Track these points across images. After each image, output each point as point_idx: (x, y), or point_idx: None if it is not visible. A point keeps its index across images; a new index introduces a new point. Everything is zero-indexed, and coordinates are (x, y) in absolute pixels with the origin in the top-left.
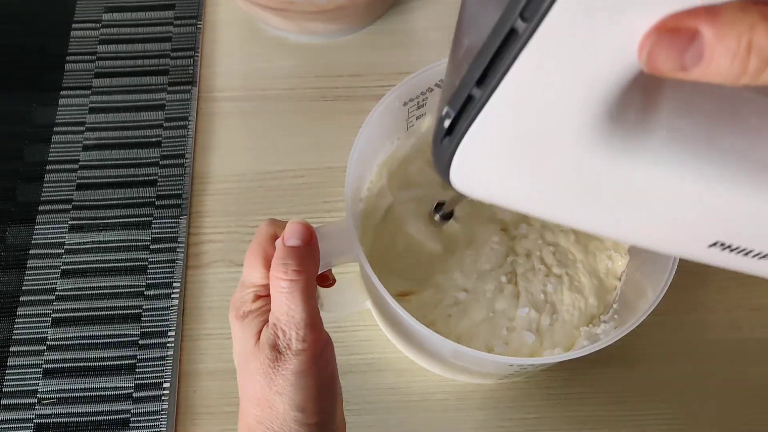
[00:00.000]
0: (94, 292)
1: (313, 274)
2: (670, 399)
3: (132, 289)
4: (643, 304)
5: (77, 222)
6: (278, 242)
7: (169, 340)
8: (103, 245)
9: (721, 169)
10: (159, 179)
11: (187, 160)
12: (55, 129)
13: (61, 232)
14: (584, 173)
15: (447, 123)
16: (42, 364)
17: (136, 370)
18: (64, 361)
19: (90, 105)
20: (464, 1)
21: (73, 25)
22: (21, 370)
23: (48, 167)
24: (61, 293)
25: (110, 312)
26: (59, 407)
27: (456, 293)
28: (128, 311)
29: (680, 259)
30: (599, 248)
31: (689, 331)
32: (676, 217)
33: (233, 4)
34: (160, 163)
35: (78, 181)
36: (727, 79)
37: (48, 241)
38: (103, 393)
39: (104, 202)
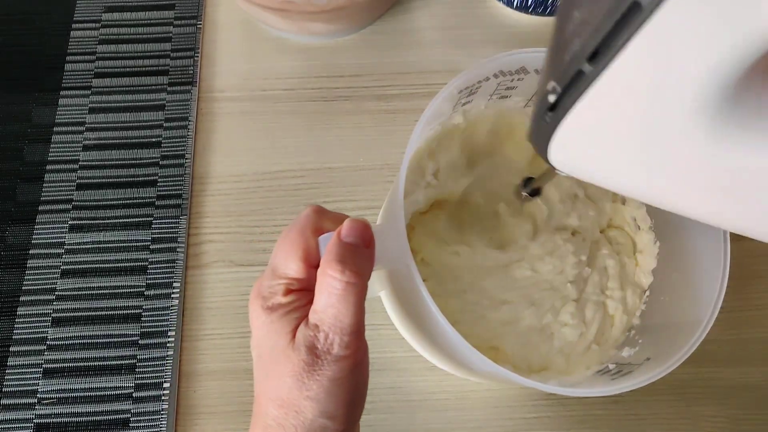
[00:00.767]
0: (94, 292)
1: (368, 279)
2: (669, 399)
3: (132, 289)
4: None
5: (77, 222)
6: (333, 237)
7: (169, 340)
8: (103, 245)
9: None
10: (159, 179)
11: (187, 161)
12: (55, 129)
13: (61, 232)
14: (695, 160)
15: (552, 98)
16: (42, 364)
17: (136, 370)
18: (64, 361)
19: (90, 105)
20: None
21: (73, 25)
22: (21, 370)
23: (48, 167)
24: (61, 293)
25: (110, 312)
26: (59, 407)
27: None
28: (128, 311)
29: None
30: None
31: None
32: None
33: (233, 4)
34: (160, 163)
35: (78, 181)
36: None
37: (48, 241)
38: (103, 393)
39: (104, 202)
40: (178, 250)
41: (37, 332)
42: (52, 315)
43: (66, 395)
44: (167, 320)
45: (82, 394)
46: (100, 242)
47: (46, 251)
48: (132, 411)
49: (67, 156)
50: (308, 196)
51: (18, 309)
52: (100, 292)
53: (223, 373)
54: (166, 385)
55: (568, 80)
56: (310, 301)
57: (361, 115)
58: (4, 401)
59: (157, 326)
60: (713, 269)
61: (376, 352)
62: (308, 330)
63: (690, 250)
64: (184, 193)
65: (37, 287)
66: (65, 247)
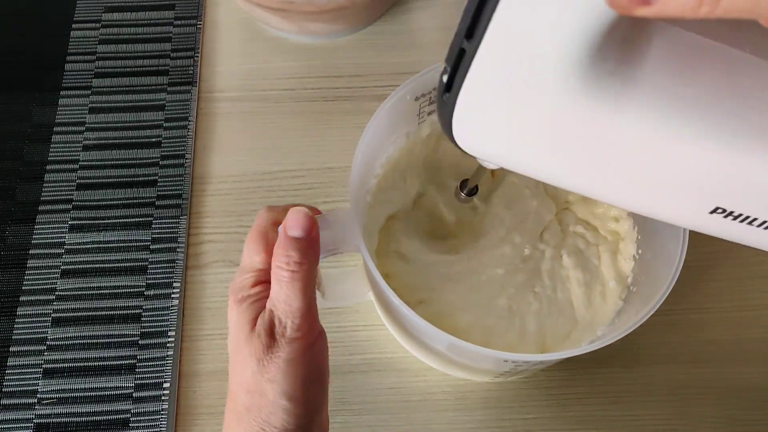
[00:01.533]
0: (94, 292)
1: (315, 264)
2: (669, 399)
3: (132, 289)
4: (645, 305)
5: (77, 222)
6: (280, 230)
7: (169, 340)
8: (103, 245)
9: (714, 130)
10: (159, 179)
11: (187, 161)
12: (55, 129)
13: (61, 232)
14: (571, 124)
15: (445, 78)
16: (42, 364)
17: (136, 370)
18: (64, 361)
19: (90, 105)
20: None
21: (73, 25)
22: (21, 370)
23: (48, 167)
24: (61, 293)
25: (110, 312)
26: (59, 407)
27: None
28: (128, 311)
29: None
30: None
31: (689, 332)
32: (672, 179)
33: (233, 5)
34: (160, 163)
35: (78, 181)
36: (686, 10)
37: (48, 241)
38: (103, 393)
39: (104, 202)
40: (178, 250)
41: (37, 332)
42: (52, 315)
43: (66, 395)
44: (167, 320)
45: (82, 394)
46: (100, 242)
47: (46, 251)
48: (132, 411)
49: (67, 156)
50: (308, 196)
51: (18, 309)
52: (100, 292)
53: (223, 373)
54: (166, 385)
55: (454, 59)
56: None
57: (361, 115)
58: (4, 401)
59: (157, 326)
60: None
61: (375, 352)
62: (265, 315)
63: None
64: (184, 193)
65: (37, 287)
66: (65, 247)
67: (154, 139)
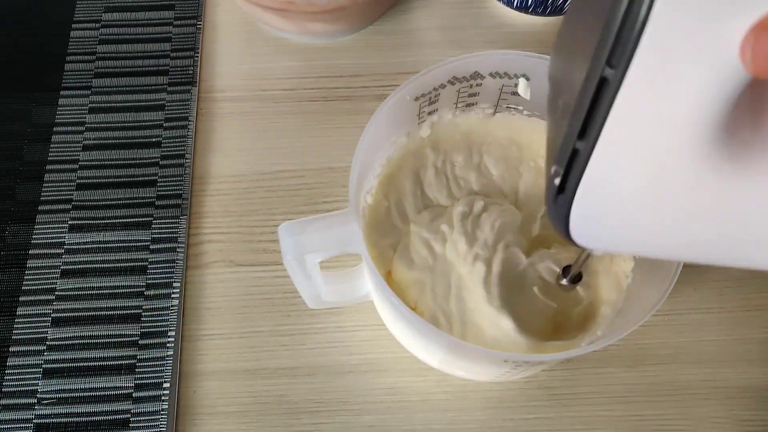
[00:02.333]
0: (94, 292)
1: None
2: (672, 399)
3: (132, 289)
4: (646, 305)
5: (77, 222)
6: None
7: (169, 340)
8: (103, 245)
9: None
10: (159, 179)
11: (187, 161)
12: (54, 129)
13: (61, 232)
14: (701, 204)
15: (557, 181)
16: (42, 364)
17: (136, 370)
18: (64, 361)
19: (90, 105)
20: (551, 74)
21: (73, 25)
22: (21, 370)
23: (48, 167)
24: (61, 293)
25: (110, 312)
26: (59, 407)
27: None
28: (128, 311)
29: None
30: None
31: (690, 332)
32: None
33: (233, 5)
34: (160, 163)
35: (78, 181)
36: None
37: (48, 241)
38: (103, 393)
39: (104, 202)
40: (178, 250)
41: (37, 332)
42: (52, 315)
43: (66, 395)
44: (167, 320)
45: (82, 394)
46: (100, 242)
47: (46, 251)
48: (132, 411)
49: (67, 156)
50: (308, 196)
51: (18, 309)
52: (100, 292)
53: (222, 373)
54: (166, 385)
55: (567, 160)
56: None
57: (361, 115)
58: (4, 401)
59: (157, 326)
60: None
61: (375, 352)
62: None
63: None
64: (184, 193)
65: (37, 287)
66: (65, 247)
67: (154, 139)
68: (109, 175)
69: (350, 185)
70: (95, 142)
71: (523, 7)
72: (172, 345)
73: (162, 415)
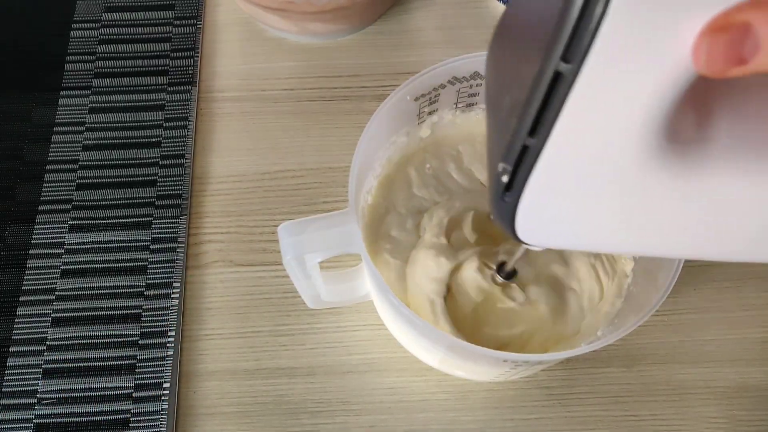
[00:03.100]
0: (94, 292)
1: None
2: (670, 399)
3: (132, 289)
4: (645, 305)
5: (77, 222)
6: None
7: (169, 340)
8: (103, 245)
9: None
10: (159, 179)
11: (187, 160)
12: (54, 129)
13: (61, 232)
14: (649, 200)
15: (505, 178)
16: (42, 364)
17: (136, 370)
18: (64, 361)
19: (90, 105)
20: (491, 67)
21: (73, 25)
22: (21, 370)
23: (48, 167)
24: (61, 293)
25: (110, 312)
26: (59, 407)
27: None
28: (128, 311)
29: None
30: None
31: (689, 331)
32: (744, 223)
33: (233, 5)
34: (160, 163)
35: (78, 181)
36: None
37: (48, 241)
38: (103, 393)
39: (104, 202)
40: (178, 250)
41: (37, 332)
42: (52, 315)
43: (66, 395)
44: (167, 320)
45: (82, 394)
46: (100, 242)
47: (45, 251)
48: (132, 411)
49: (67, 156)
50: (308, 196)
51: (18, 309)
52: (100, 292)
53: (223, 373)
54: (166, 385)
55: (516, 157)
56: None
57: (361, 115)
58: (4, 401)
59: (157, 326)
60: None
61: (375, 352)
62: None
63: None
64: (184, 193)
65: (36, 287)
66: (65, 247)
67: (154, 139)
68: (109, 175)
69: (350, 185)
70: (95, 142)
71: None
72: (172, 345)
73: (162, 415)
